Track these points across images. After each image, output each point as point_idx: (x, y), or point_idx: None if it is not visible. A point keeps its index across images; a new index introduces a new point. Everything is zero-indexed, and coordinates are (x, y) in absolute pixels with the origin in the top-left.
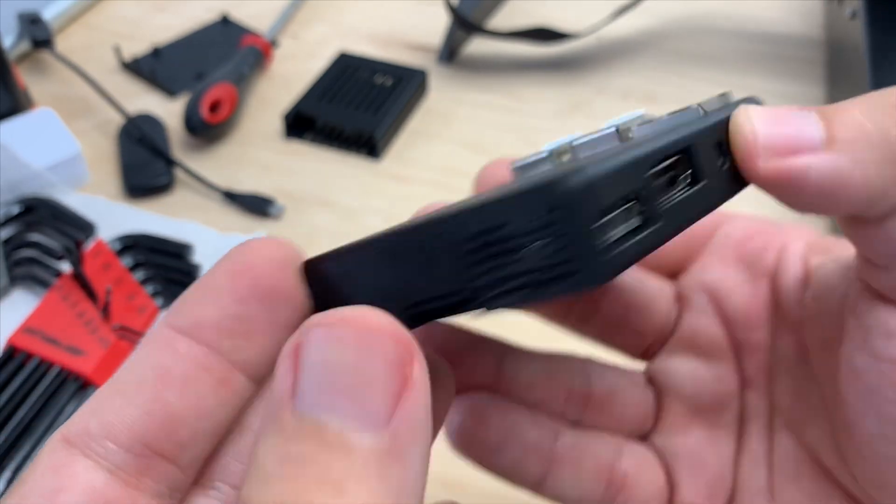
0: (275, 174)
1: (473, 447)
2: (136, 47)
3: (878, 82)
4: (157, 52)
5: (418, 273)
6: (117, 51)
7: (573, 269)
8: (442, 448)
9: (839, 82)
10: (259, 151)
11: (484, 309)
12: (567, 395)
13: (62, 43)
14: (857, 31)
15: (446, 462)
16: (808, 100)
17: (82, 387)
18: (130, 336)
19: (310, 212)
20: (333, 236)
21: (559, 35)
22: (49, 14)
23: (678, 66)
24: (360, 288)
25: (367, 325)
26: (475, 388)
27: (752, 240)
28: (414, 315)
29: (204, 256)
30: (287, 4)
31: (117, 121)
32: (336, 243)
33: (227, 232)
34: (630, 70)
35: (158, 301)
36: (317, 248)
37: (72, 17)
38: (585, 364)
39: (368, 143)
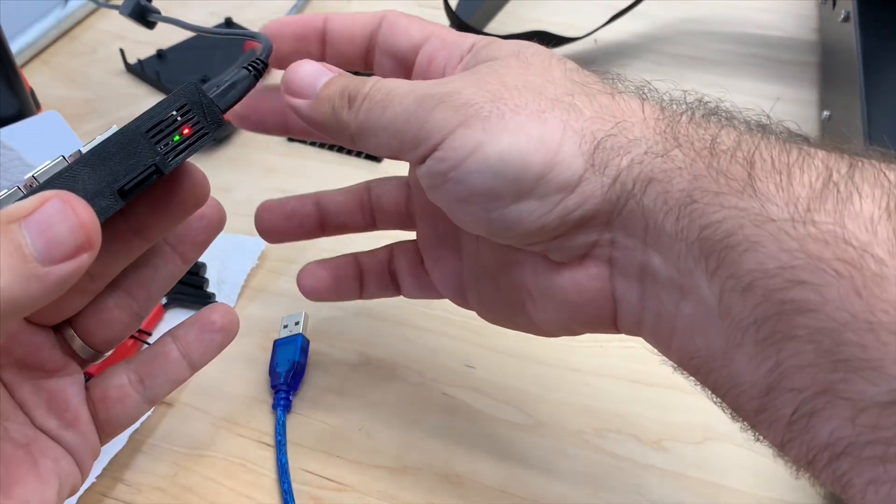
0: (277, 175)
1: None
2: (141, 50)
3: (870, 84)
4: (161, 56)
5: (121, 162)
6: (122, 54)
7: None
8: (444, 446)
9: (832, 84)
10: (262, 153)
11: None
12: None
13: (67, 46)
14: (849, 34)
15: (448, 457)
16: (801, 102)
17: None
18: (136, 334)
19: None
20: (334, 237)
21: (557, 39)
22: (54, 17)
23: (674, 69)
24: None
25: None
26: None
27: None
28: (125, 191)
29: (208, 256)
30: (290, 8)
31: (123, 123)
32: (337, 243)
33: (232, 232)
34: (627, 73)
35: (163, 299)
36: (318, 247)
37: (76, 20)
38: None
39: None
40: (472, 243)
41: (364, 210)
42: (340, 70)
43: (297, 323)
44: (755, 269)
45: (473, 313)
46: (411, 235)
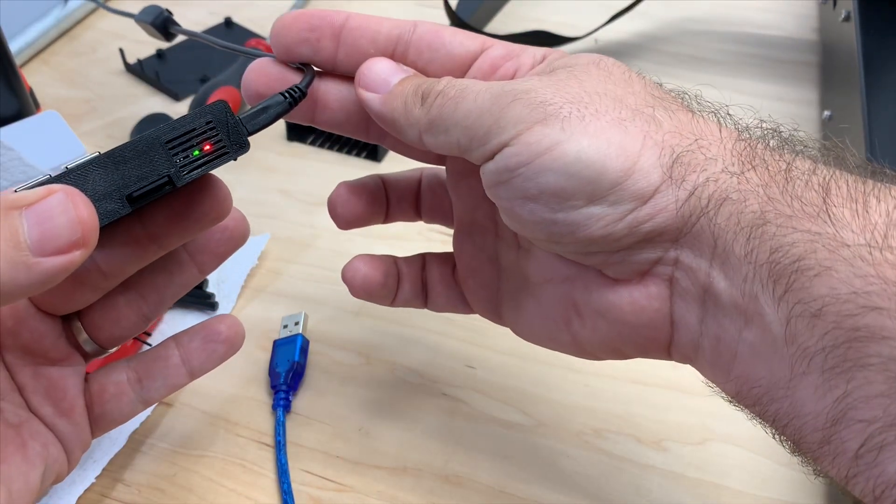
0: (277, 176)
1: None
2: (141, 50)
3: (871, 83)
4: (161, 55)
5: (135, 168)
6: (122, 54)
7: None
8: (444, 446)
9: (833, 84)
10: (262, 153)
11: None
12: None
13: (67, 45)
14: (850, 34)
15: (448, 458)
16: (802, 102)
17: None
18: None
19: (311, 212)
20: (334, 236)
21: (557, 38)
22: (54, 17)
23: (675, 68)
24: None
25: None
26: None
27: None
28: (134, 198)
29: None
30: (289, 8)
31: (122, 123)
32: (336, 243)
33: None
34: None
35: None
36: (317, 248)
37: (76, 20)
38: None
39: (369, 145)
40: (513, 254)
41: (416, 199)
42: (415, 71)
43: (296, 323)
44: (826, 295)
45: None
46: (443, 247)
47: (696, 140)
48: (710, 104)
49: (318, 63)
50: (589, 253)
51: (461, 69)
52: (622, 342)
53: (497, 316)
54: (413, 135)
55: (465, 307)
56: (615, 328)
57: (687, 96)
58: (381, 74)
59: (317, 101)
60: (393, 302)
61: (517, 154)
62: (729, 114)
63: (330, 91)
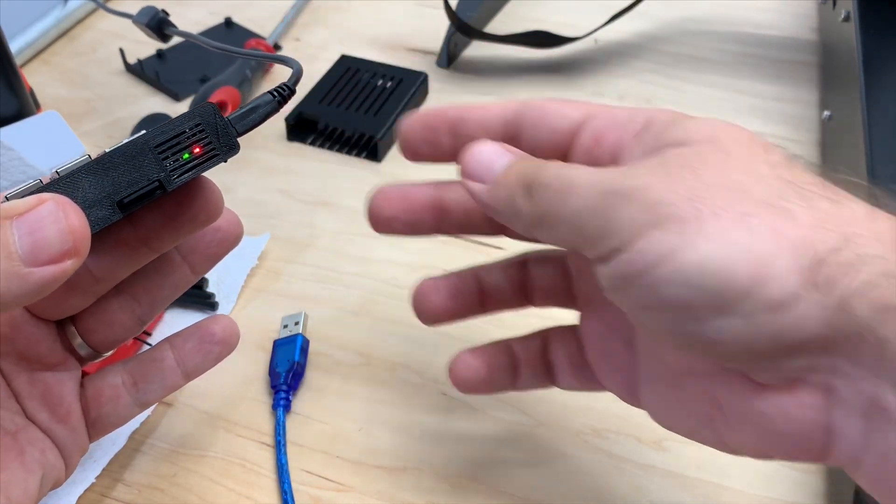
0: (277, 176)
1: None
2: (141, 50)
3: (871, 83)
4: (161, 55)
5: (125, 174)
6: (122, 54)
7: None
8: (443, 446)
9: (832, 84)
10: (262, 153)
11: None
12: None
13: (67, 46)
14: (850, 34)
15: (448, 458)
16: (801, 102)
17: None
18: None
19: (311, 212)
20: (334, 236)
21: (557, 39)
22: (54, 17)
23: (674, 69)
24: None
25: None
26: None
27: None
28: (125, 204)
29: None
30: (290, 8)
31: (122, 123)
32: (336, 243)
33: None
34: (626, 73)
35: None
36: (317, 248)
37: (76, 20)
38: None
39: (369, 146)
40: (650, 339)
41: (521, 288)
42: (521, 151)
43: (296, 323)
44: None
45: None
46: (565, 317)
47: (843, 235)
48: (860, 183)
49: (440, 159)
50: (729, 362)
51: (566, 142)
52: (772, 449)
53: (635, 400)
54: (522, 227)
55: (601, 386)
56: (764, 436)
57: (830, 174)
58: (484, 162)
59: (443, 210)
60: (514, 388)
61: (632, 262)
62: (887, 193)
63: (450, 198)
